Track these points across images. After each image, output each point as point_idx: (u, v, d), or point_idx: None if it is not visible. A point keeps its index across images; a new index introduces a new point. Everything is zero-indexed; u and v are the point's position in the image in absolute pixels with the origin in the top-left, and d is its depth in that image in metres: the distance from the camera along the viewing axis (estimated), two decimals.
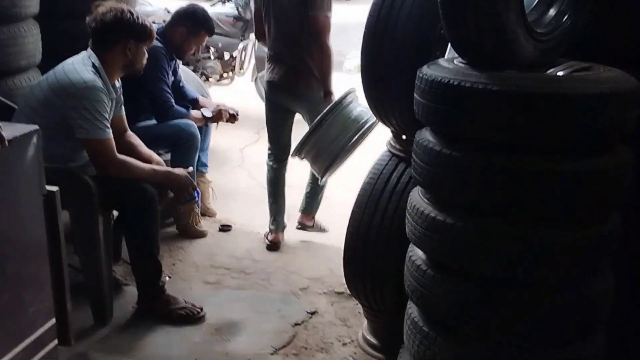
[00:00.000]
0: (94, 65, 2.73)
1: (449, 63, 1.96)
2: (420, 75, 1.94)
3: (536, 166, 1.76)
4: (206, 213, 4.13)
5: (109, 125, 2.72)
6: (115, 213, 2.94)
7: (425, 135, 2.00)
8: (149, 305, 2.92)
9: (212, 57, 6.92)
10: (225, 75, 6.94)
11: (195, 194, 3.77)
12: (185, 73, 5.27)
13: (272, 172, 3.93)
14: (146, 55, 2.90)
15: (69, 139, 2.69)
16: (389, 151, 2.62)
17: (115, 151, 2.74)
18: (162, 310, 2.90)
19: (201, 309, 2.97)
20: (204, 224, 3.97)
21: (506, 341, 1.93)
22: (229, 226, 4.01)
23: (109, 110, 2.75)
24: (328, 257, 3.64)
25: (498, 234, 1.83)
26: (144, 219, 2.78)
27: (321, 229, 4.06)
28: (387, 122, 2.54)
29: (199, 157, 3.98)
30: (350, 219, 2.60)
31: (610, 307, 1.97)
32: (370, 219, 2.53)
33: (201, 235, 3.83)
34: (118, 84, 2.92)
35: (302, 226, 4.06)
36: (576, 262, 1.84)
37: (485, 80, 1.75)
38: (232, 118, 4.02)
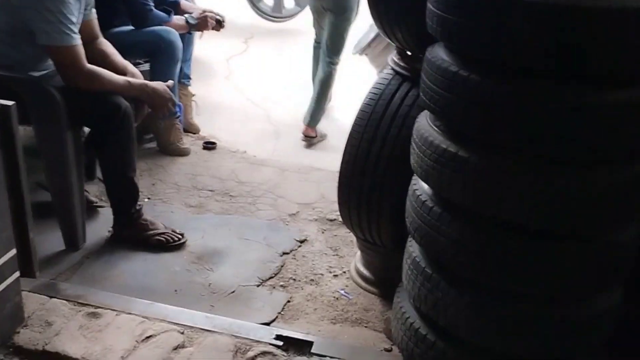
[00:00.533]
0: None
1: None
2: None
3: (575, 97, 1.50)
4: (189, 129, 3.85)
5: (76, 30, 2.39)
6: (86, 129, 2.66)
7: (439, 53, 1.72)
8: (125, 230, 2.69)
9: None
10: None
11: (177, 109, 3.49)
12: None
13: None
14: None
15: (30, 44, 2.37)
16: (392, 69, 2.33)
17: (84, 60, 2.42)
18: (139, 235, 2.68)
19: (182, 235, 2.75)
20: (187, 141, 3.70)
21: (519, 291, 1.73)
22: (214, 143, 3.74)
23: (76, 13, 2.42)
24: (320, 181, 3.41)
25: (519, 173, 1.59)
26: (118, 136, 2.51)
27: (322, 136, 4.16)
28: (391, 37, 2.24)
29: (180, 68, 3.66)
30: (346, 144, 2.34)
31: (634, 257, 1.76)
32: (369, 145, 2.28)
33: (183, 153, 3.57)
34: None
35: (307, 138, 4.12)
36: (604, 209, 1.61)
37: None
38: (218, 25, 3.68)
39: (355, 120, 2.32)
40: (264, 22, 6.57)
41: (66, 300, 2.20)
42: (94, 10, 2.69)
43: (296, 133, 4.24)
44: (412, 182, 1.96)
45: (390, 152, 2.23)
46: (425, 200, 1.84)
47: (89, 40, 2.67)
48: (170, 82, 2.74)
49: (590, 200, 1.57)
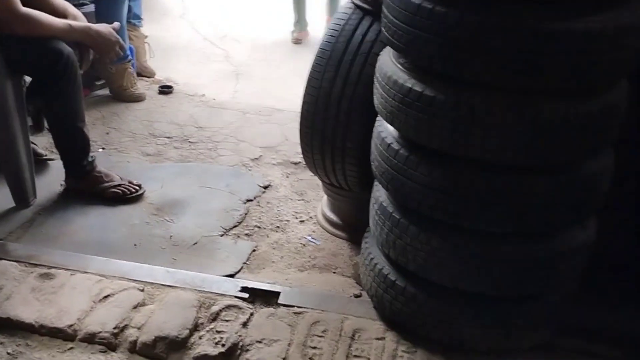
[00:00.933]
0: None
1: None
2: None
3: (544, 24, 1.39)
4: (143, 73, 3.66)
5: None
6: (28, 78, 2.48)
7: None
8: (78, 183, 2.55)
9: None
10: None
11: (128, 52, 3.31)
12: None
13: None
14: None
15: None
16: (352, 3, 2.19)
17: (18, 3, 2.22)
18: (94, 188, 2.55)
19: (139, 186, 2.62)
20: (141, 86, 3.52)
21: (490, 231, 1.67)
22: (170, 87, 3.57)
23: None
24: (282, 123, 3.29)
25: (489, 109, 1.50)
26: (62, 85, 2.34)
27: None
28: None
29: (129, 8, 3.46)
30: (306, 85, 2.21)
31: (606, 189, 1.70)
32: (330, 85, 2.15)
33: (138, 98, 3.40)
34: None
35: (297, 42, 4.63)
36: (573, 140, 1.54)
37: None
38: None
39: (315, 59, 2.19)
40: None
41: (16, 261, 2.08)
42: None
43: (257, 72, 4.09)
44: (377, 123, 1.86)
45: (353, 91, 2.11)
46: (391, 143, 1.75)
47: None
48: (116, 23, 2.55)
49: (559, 131, 1.49)
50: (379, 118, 1.84)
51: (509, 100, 1.51)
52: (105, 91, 3.44)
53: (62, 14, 2.45)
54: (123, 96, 3.36)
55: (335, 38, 2.17)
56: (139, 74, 3.62)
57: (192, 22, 4.86)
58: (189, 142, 3.10)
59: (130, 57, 3.32)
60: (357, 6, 2.17)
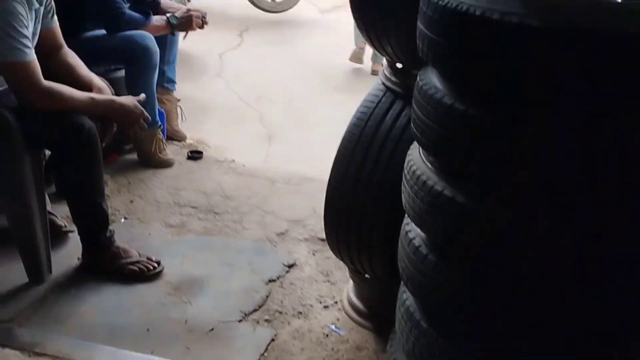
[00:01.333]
0: None
1: None
2: None
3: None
4: (174, 137, 3.60)
5: (29, 43, 2.14)
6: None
7: (431, 80, 1.46)
8: (95, 259, 2.46)
9: None
10: None
11: (158, 118, 3.25)
12: None
13: None
14: None
15: None
16: (383, 84, 2.07)
17: (40, 76, 2.17)
18: (110, 265, 2.45)
19: (158, 263, 2.51)
20: (171, 150, 3.46)
21: (529, 348, 1.49)
22: (200, 152, 3.50)
23: (28, 25, 2.17)
24: (311, 194, 3.15)
25: (524, 217, 1.34)
26: (81, 160, 2.27)
27: None
28: (380, 50, 1.98)
29: (164, 71, 3.44)
30: (332, 168, 2.09)
31: None
32: (357, 171, 2.02)
33: (166, 164, 3.32)
34: None
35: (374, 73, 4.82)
36: None
37: (522, 10, 1.20)
38: (202, 23, 3.41)
39: (342, 142, 2.07)
40: (260, 13, 6.29)
41: (20, 350, 1.98)
42: (55, 18, 2.44)
43: (291, 135, 4.00)
44: (405, 221, 1.71)
45: (381, 179, 1.98)
46: (419, 246, 1.59)
47: (51, 51, 2.43)
48: (142, 95, 2.49)
49: None
50: (407, 215, 1.69)
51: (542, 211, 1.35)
52: (134, 155, 3.38)
53: (87, 85, 2.40)
54: (151, 162, 3.29)
55: (365, 121, 2.05)
56: (170, 138, 3.57)
57: (228, 81, 4.83)
58: (214, 212, 2.99)
59: (159, 123, 3.27)
60: (388, 88, 2.06)
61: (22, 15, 2.10)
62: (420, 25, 1.41)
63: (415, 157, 1.60)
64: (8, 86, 2.20)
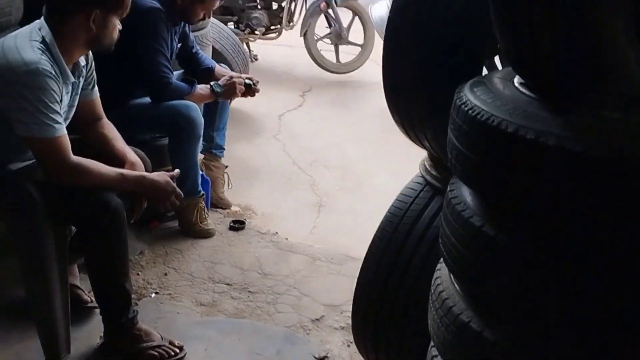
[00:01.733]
0: (43, 41, 2.09)
1: (505, 84, 1.21)
2: (459, 101, 1.21)
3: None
4: (218, 204, 3.51)
5: (59, 119, 2.09)
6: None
7: (461, 193, 1.28)
8: (115, 340, 2.34)
9: (258, 6, 6.22)
10: (272, 27, 6.23)
11: (200, 187, 3.17)
12: (219, 29, 4.63)
13: None
14: (118, 28, 2.23)
15: (9, 133, 2.09)
16: (423, 177, 1.90)
17: (68, 152, 2.11)
18: (130, 347, 2.32)
19: (180, 349, 2.37)
20: (213, 219, 3.36)
21: None
22: (242, 223, 3.38)
23: (62, 99, 2.12)
24: (353, 275, 2.87)
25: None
26: (105, 240, 2.17)
27: None
28: (418, 143, 1.81)
29: (212, 137, 3.38)
30: (361, 268, 1.92)
31: None
32: (388, 272, 1.84)
33: (207, 234, 3.22)
34: (83, 62, 2.28)
35: None
36: None
37: (564, 132, 1.01)
38: (250, 91, 3.34)
39: (374, 240, 1.89)
40: (325, 73, 6.25)
41: None
42: (95, 89, 2.40)
43: (342, 205, 3.84)
44: (432, 343, 1.51)
45: (413, 284, 1.78)
46: None
47: (89, 122, 2.39)
48: (176, 171, 2.40)
49: None
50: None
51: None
52: (175, 223, 3.30)
53: (120, 159, 2.33)
54: (191, 231, 3.20)
55: (400, 217, 1.87)
56: (215, 205, 3.48)
57: (284, 144, 4.75)
58: (249, 291, 2.84)
59: (202, 192, 3.18)
60: (427, 182, 1.88)
61: (54, 91, 2.05)
62: (450, 134, 1.24)
63: (444, 275, 1.41)
64: (36, 161, 2.15)
